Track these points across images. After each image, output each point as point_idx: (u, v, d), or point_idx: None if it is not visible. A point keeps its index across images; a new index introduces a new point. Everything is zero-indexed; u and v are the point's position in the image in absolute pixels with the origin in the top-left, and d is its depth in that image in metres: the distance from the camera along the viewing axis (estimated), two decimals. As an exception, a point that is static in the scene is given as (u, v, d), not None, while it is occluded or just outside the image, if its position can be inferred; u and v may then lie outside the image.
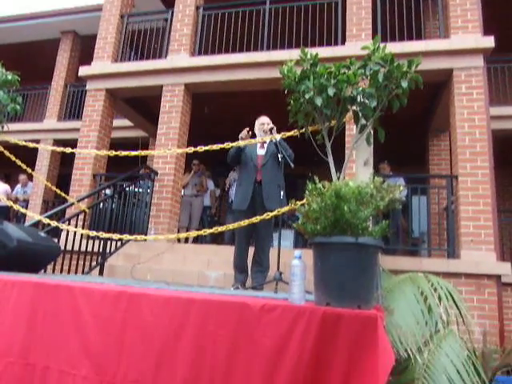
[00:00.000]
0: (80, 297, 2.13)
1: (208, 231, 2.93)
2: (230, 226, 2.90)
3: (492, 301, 4.67)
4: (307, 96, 2.27)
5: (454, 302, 3.02)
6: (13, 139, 3.76)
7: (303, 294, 1.89)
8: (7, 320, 2.22)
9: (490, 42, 5.40)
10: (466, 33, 5.59)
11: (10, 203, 3.99)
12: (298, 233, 7.81)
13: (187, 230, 7.41)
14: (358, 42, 5.87)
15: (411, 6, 6.00)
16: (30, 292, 2.23)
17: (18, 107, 3.33)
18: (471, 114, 5.31)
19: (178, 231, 6.73)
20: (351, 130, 5.05)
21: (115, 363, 1.99)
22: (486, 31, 5.64)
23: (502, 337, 4.60)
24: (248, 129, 4.16)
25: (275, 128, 4.11)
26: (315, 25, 6.25)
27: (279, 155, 3.99)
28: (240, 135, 4.13)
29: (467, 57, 5.48)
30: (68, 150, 3.46)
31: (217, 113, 7.63)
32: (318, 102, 2.24)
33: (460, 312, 3.02)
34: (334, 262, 1.81)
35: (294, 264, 1.89)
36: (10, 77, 3.23)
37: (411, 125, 7.25)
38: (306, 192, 1.88)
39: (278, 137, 3.99)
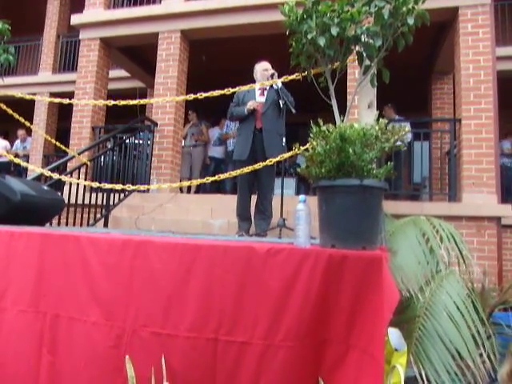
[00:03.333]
0: (87, 246, 2.16)
1: (210, 179, 2.93)
2: (233, 173, 2.89)
3: (492, 242, 4.75)
4: (309, 36, 2.19)
5: (456, 243, 3.08)
6: (9, 92, 3.68)
7: (308, 237, 1.91)
8: (16, 270, 2.26)
9: (498, -24, 5.14)
10: (473, -33, 5.31)
11: (10, 157, 3.97)
12: (300, 180, 7.83)
13: (189, 179, 7.42)
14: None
15: None
16: (37, 242, 2.26)
17: (11, 58, 3.24)
18: (476, 55, 5.15)
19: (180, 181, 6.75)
20: (353, 74, 4.92)
21: (124, 309, 2.05)
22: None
23: (500, 276, 4.73)
24: (256, 103, 4.05)
25: (276, 74, 4.01)
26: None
27: (280, 101, 3.92)
28: (247, 107, 4.04)
29: (474, -8, 5.25)
30: (65, 100, 3.40)
31: (215, 61, 7.42)
32: (321, 42, 2.16)
33: (461, 253, 3.08)
34: (338, 204, 1.81)
35: (299, 208, 1.90)
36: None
37: (414, 68, 7.07)
38: (310, 135, 1.86)
39: (279, 82, 3.90)
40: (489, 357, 2.57)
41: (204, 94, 3.00)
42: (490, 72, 5.08)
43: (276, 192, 4.41)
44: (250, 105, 4.03)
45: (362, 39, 2.25)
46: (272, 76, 3.97)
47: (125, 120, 6.08)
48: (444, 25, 5.83)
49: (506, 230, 6.01)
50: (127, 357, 1.79)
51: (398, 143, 5.39)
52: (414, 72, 7.23)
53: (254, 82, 4.22)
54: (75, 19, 6.87)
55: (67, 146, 6.32)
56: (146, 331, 1.98)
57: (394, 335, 2.09)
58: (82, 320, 2.08)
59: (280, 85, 3.96)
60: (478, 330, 2.60)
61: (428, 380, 2.35)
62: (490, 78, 5.06)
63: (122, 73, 8.59)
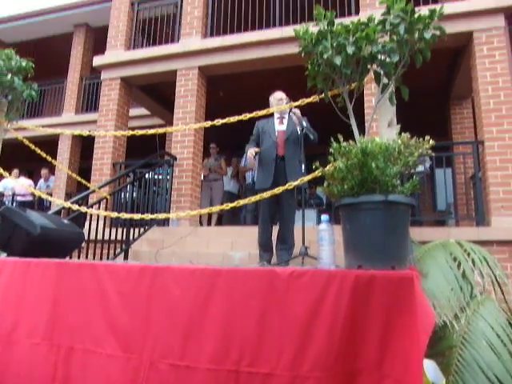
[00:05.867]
0: (104, 274, 2.10)
1: (230, 205, 2.88)
2: (253, 199, 2.84)
3: (527, 267, 4.51)
4: (325, 56, 2.16)
5: (489, 267, 2.90)
6: (32, 126, 3.76)
7: (333, 258, 1.82)
8: (31, 301, 2.21)
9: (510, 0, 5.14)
10: (486, -8, 5.33)
11: (35, 191, 4.02)
12: (321, 212, 7.72)
13: (209, 215, 7.39)
14: (372, 10, 5.66)
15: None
16: (54, 272, 2.21)
17: (34, 93, 3.32)
18: (494, 77, 5.08)
19: (200, 216, 6.73)
20: (370, 88, 4.86)
21: (142, 339, 1.96)
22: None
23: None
24: (255, 151, 4.08)
25: (298, 111, 4.02)
26: (328, -4, 6.07)
27: (298, 128, 3.90)
28: (248, 155, 4.08)
29: (487, 17, 5.25)
30: (85, 132, 3.44)
31: (232, 95, 7.53)
32: (338, 61, 2.13)
33: (496, 277, 2.90)
34: (363, 222, 1.72)
35: (322, 228, 1.82)
36: (24, 63, 3.22)
37: (432, 94, 7.03)
38: (331, 150, 1.79)
39: (303, 120, 3.99)
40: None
41: (221, 121, 2.99)
42: (509, 93, 4.99)
43: (297, 224, 4.34)
44: (251, 153, 4.04)
45: (379, 57, 2.22)
46: (298, 117, 4.01)
47: (145, 156, 6.15)
48: (459, 50, 5.82)
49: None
50: (144, 390, 1.68)
51: (420, 168, 5.24)
52: (432, 98, 7.19)
53: (271, 114, 4.22)
54: (97, 61, 7.13)
55: (89, 183, 6.42)
56: (164, 363, 1.88)
57: (430, 367, 1.94)
58: (98, 352, 2.00)
59: (305, 123, 4.00)
60: (521, 359, 2.40)
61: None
62: (511, 99, 4.97)
63: (142, 111, 8.80)
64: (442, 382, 1.88)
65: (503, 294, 2.91)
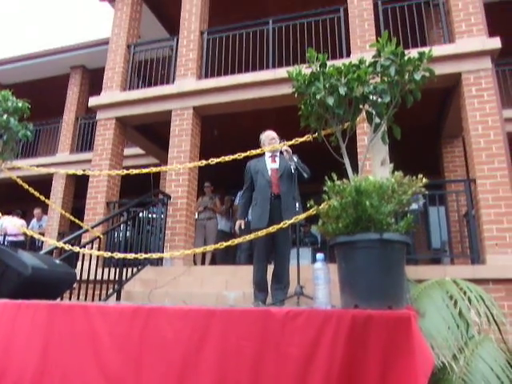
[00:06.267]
0: (96, 316, 2.05)
1: (225, 244, 2.86)
2: (247, 237, 2.82)
3: (524, 306, 4.46)
4: (318, 97, 2.22)
5: (486, 305, 2.87)
6: (26, 166, 3.77)
7: (329, 298, 1.79)
8: (20, 345, 2.14)
9: (496, 43, 5.35)
10: (471, 36, 5.56)
11: (28, 232, 3.98)
12: (316, 250, 7.67)
13: (203, 254, 7.32)
14: (362, 53, 5.86)
15: (413, 15, 6.01)
16: (45, 314, 2.16)
17: (29, 133, 3.35)
18: (484, 116, 5.21)
19: (194, 256, 6.66)
20: (363, 127, 4.96)
21: (134, 383, 1.89)
22: (492, 34, 5.60)
23: (538, 344, 4.37)
24: (242, 222, 4.24)
25: (290, 151, 4.09)
26: (319, 40, 6.27)
27: (292, 166, 3.94)
28: (236, 227, 4.26)
29: (475, 59, 5.44)
30: (79, 172, 3.45)
31: (226, 134, 7.65)
32: (330, 101, 2.19)
33: (493, 316, 2.86)
34: (358, 261, 1.72)
35: (317, 267, 1.80)
36: (20, 104, 3.27)
37: (423, 133, 7.17)
38: (325, 189, 1.81)
39: (294, 156, 4.08)
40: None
41: (216, 160, 3.02)
42: (499, 132, 5.10)
43: (292, 262, 4.30)
44: (238, 225, 4.22)
45: (371, 98, 2.28)
46: (289, 153, 4.08)
47: (139, 195, 6.15)
48: (449, 90, 5.99)
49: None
50: None
51: (414, 207, 5.26)
52: (424, 137, 7.33)
53: (261, 154, 4.27)
54: (93, 101, 7.25)
55: (82, 222, 6.37)
56: (157, 410, 1.80)
57: (430, 410, 1.87)
58: (89, 399, 1.92)
59: (296, 159, 4.06)
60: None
61: None
62: (501, 137, 5.08)
63: (137, 150, 8.88)
64: (444, 427, 1.81)
65: (501, 333, 2.87)
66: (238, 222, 4.24)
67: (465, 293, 2.90)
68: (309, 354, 1.67)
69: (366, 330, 1.62)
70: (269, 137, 4.28)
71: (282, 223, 2.90)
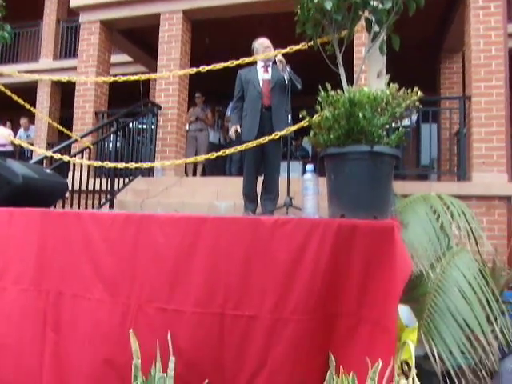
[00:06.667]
0: (89, 222, 2.10)
1: (215, 154, 2.86)
2: (239, 148, 2.82)
3: (502, 221, 4.66)
4: (316, 0, 2.09)
5: (467, 220, 2.99)
6: (7, 71, 3.61)
7: (316, 208, 1.85)
8: (17, 249, 2.21)
9: None
10: None
11: (17, 141, 3.91)
12: (306, 164, 7.74)
13: (194, 166, 7.36)
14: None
15: None
16: (38, 220, 2.20)
17: (7, 35, 3.16)
18: (487, 30, 5.00)
19: (185, 167, 6.69)
20: (361, 38, 4.75)
21: (129, 284, 1.99)
22: None
23: (510, 256, 4.64)
24: (236, 128, 4.09)
25: (284, 61, 3.92)
26: None
27: (285, 77, 3.83)
28: (230, 132, 4.15)
29: (485, -34, 5.08)
30: (65, 78, 3.32)
31: (219, 44, 7.28)
32: (328, 5, 2.06)
33: (472, 230, 2.99)
34: (348, 172, 1.74)
35: (306, 177, 1.83)
36: (-5, 2, 3.05)
37: (422, 47, 6.92)
38: (318, 99, 1.78)
39: (287, 67, 3.93)
40: (501, 332, 2.51)
41: (206, 68, 2.91)
42: (501, 48, 4.93)
43: (282, 175, 4.36)
44: (233, 130, 4.11)
45: (371, 3, 2.16)
46: (282, 63, 3.91)
47: (128, 106, 5.99)
48: (453, 1, 5.67)
49: (516, 210, 5.90)
50: (131, 330, 1.73)
51: (406, 122, 5.23)
52: (423, 51, 7.08)
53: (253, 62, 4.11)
54: (74, 1, 6.75)
55: (71, 132, 6.27)
56: (151, 307, 1.92)
57: (404, 311, 2.02)
58: (86, 297, 2.03)
59: (289, 68, 3.92)
60: (490, 306, 2.53)
61: (439, 356, 2.29)
62: (502, 53, 4.92)
63: (125, 57, 8.48)
64: (415, 325, 1.97)
65: (477, 245, 3.02)
66: (233, 127, 4.14)
67: (448, 207, 2.99)
68: (295, 258, 1.76)
69: (351, 238, 1.69)
70: (263, 44, 4.10)
71: (273, 135, 2.89)
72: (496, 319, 2.54)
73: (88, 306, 2.03)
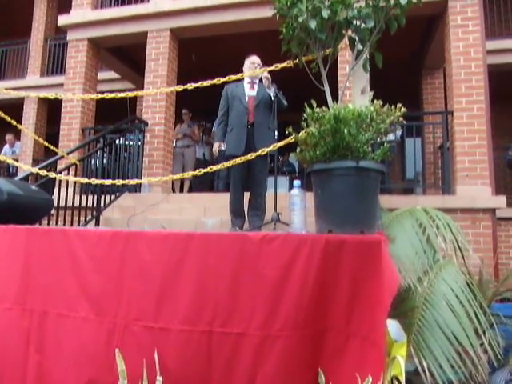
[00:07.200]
0: (74, 239, 2.07)
1: (203, 171, 2.86)
2: (226, 164, 2.83)
3: (487, 234, 4.72)
4: (300, 19, 2.13)
5: (452, 233, 3.02)
6: (0, 89, 3.59)
7: (304, 223, 1.86)
8: (1, 266, 2.17)
9: (485, -32, 5.15)
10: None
11: (1, 158, 3.87)
12: (293, 179, 7.79)
13: (181, 182, 7.34)
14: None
15: None
16: (23, 238, 2.17)
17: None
18: (467, 47, 5.15)
19: (172, 183, 6.67)
20: (345, 56, 4.85)
21: (115, 303, 1.96)
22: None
23: (496, 269, 4.69)
24: (219, 145, 4.18)
25: (270, 78, 3.99)
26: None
27: (271, 94, 3.87)
28: (213, 149, 4.25)
29: (462, -14, 5.25)
30: (52, 95, 3.31)
31: (205, 61, 7.35)
32: (312, 25, 2.11)
33: (458, 243, 3.03)
34: (334, 188, 1.76)
35: (294, 193, 1.84)
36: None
37: (405, 64, 7.08)
38: (304, 116, 1.80)
39: (272, 86, 3.99)
40: (490, 345, 2.52)
41: (194, 85, 2.93)
42: (480, 64, 5.07)
43: (269, 191, 4.38)
44: (216, 146, 4.21)
45: (354, 22, 2.21)
46: (267, 80, 3.98)
47: (115, 122, 5.99)
48: (433, 18, 5.83)
49: (500, 222, 5.99)
50: (117, 350, 1.71)
51: (391, 137, 5.31)
52: (405, 67, 7.24)
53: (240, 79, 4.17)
54: (62, 20, 6.78)
55: (57, 149, 6.22)
56: (138, 325, 1.90)
57: (393, 326, 2.02)
58: (71, 316, 2.00)
59: (275, 86, 3.98)
60: (478, 319, 2.55)
61: (429, 371, 2.29)
62: (481, 69, 5.06)
63: (112, 74, 8.50)
64: (404, 339, 1.97)
65: (463, 258, 3.05)
66: (216, 144, 4.20)
67: (433, 221, 3.03)
68: (283, 275, 1.76)
69: (339, 253, 1.70)
70: (250, 60, 4.16)
71: (260, 151, 2.91)
72: (484, 332, 2.56)
73: (73, 325, 2.00)
